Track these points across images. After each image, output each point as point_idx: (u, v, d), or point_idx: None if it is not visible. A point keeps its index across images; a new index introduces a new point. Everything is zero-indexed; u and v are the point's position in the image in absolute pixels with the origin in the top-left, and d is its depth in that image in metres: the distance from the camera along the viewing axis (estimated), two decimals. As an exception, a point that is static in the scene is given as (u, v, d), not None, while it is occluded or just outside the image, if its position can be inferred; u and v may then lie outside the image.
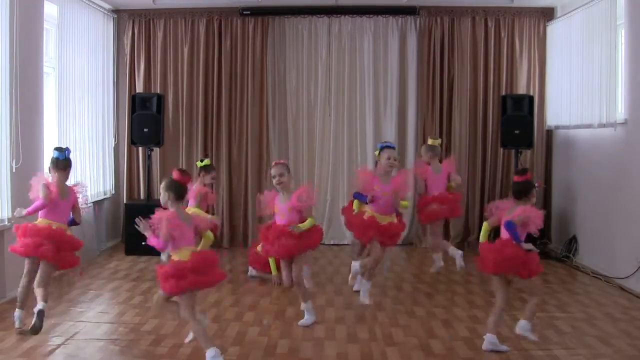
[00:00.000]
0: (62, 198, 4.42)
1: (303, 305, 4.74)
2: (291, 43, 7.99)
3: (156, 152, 7.74)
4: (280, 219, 4.70)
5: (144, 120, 7.27)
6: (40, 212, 4.39)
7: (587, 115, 6.60)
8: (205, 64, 7.84)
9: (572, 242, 7.01)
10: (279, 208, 4.71)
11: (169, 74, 7.88)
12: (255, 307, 5.13)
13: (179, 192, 3.95)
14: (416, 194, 6.72)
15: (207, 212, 6.14)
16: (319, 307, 5.08)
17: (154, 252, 6.56)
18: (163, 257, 5.81)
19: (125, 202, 7.71)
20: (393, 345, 4.22)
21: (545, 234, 7.75)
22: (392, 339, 4.36)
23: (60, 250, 4.36)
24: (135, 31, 7.86)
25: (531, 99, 7.43)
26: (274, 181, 4.74)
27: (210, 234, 4.13)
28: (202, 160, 6.23)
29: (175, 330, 4.48)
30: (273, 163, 4.91)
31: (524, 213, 3.99)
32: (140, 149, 7.80)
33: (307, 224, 4.64)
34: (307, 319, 4.68)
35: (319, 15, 7.92)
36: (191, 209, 5.71)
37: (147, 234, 3.82)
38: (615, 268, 5.97)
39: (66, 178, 4.53)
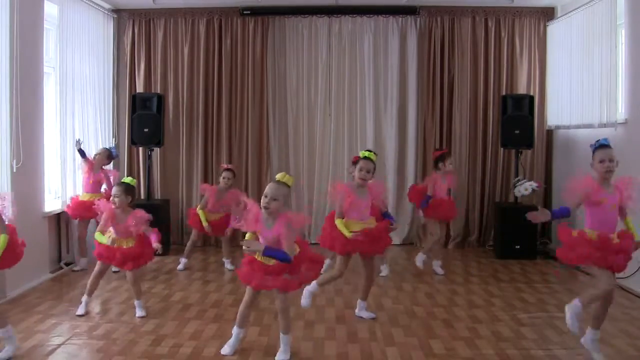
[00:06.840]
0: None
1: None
2: (291, 43, 7.99)
3: (156, 152, 7.74)
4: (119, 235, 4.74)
5: (144, 120, 7.27)
6: None
7: (587, 115, 6.60)
8: (206, 64, 7.84)
9: (572, 242, 6.98)
10: (116, 227, 4.74)
11: (169, 73, 7.88)
12: (254, 307, 5.12)
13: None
14: None
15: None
16: (320, 306, 5.09)
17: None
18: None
19: (125, 202, 7.69)
20: (393, 345, 4.22)
21: (545, 233, 7.78)
22: (392, 339, 4.36)
23: None
24: (136, 31, 7.86)
25: (531, 99, 7.43)
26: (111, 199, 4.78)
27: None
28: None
29: (175, 330, 4.48)
30: (119, 182, 4.89)
31: None
32: (140, 149, 7.80)
33: None
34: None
35: (319, 15, 7.92)
36: None
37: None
38: (615, 268, 5.95)
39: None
